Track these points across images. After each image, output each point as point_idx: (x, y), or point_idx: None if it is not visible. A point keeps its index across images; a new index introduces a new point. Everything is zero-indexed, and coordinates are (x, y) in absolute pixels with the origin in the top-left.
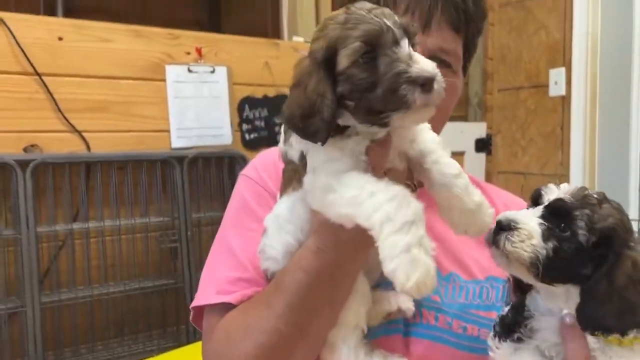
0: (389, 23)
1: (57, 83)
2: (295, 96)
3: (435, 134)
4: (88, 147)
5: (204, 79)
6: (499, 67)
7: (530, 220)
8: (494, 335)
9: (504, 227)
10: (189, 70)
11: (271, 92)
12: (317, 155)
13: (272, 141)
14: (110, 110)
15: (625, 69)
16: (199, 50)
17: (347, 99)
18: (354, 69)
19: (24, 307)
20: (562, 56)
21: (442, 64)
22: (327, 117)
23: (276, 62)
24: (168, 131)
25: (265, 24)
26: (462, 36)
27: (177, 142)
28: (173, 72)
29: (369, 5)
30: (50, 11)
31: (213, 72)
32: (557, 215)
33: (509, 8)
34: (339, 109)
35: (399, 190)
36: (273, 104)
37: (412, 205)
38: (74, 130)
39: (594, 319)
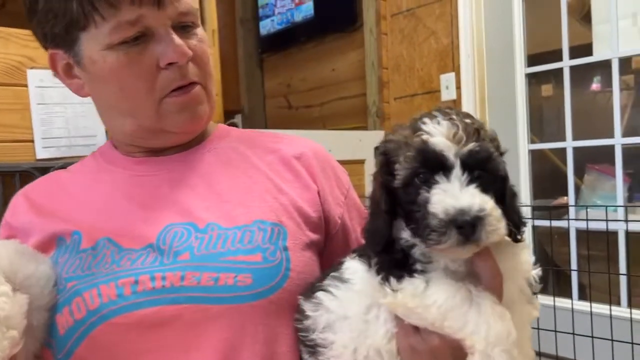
0: None
1: None
2: None
3: None
4: None
5: None
6: (394, 75)
7: (476, 197)
8: (384, 280)
9: (475, 223)
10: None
11: None
12: None
13: None
14: None
15: (510, 70)
16: None
17: None
18: None
19: None
20: (452, 61)
21: (185, 30)
22: None
23: None
24: (32, 141)
25: None
26: None
27: (43, 152)
28: (35, 77)
29: None
30: None
31: None
32: (475, 166)
33: (400, 17)
34: None
35: None
36: None
37: None
38: None
39: None
